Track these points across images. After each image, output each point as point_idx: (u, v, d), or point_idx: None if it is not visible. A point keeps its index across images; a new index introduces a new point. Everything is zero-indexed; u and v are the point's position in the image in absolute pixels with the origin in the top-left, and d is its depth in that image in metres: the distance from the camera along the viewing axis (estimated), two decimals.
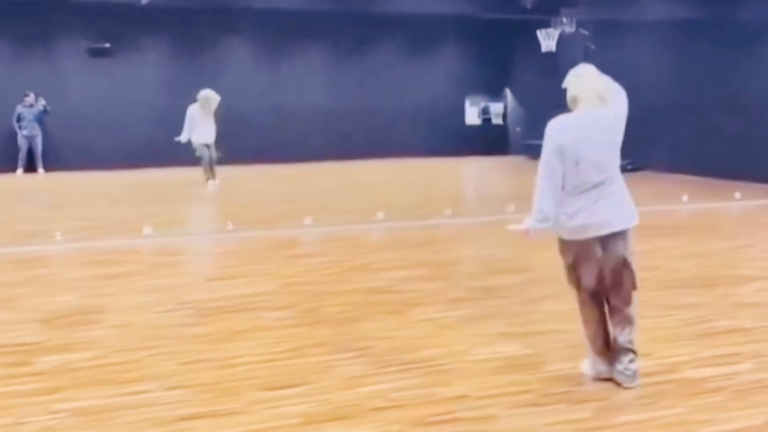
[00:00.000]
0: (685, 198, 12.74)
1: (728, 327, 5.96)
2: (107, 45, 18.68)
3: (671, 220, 11.39)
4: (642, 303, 6.65)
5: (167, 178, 15.34)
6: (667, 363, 5.15)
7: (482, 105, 22.34)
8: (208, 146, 14.90)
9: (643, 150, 17.41)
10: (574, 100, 4.67)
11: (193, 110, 14.88)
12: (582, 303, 4.84)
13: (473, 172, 18.95)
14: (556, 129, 4.61)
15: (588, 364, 4.88)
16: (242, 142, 19.35)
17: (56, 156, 18.43)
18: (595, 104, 4.61)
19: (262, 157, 19.18)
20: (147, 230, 10.05)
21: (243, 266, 8.38)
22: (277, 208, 12.69)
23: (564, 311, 6.43)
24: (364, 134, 20.46)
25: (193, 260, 9.34)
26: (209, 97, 14.90)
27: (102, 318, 6.39)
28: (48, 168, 18.36)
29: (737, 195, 12.97)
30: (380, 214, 11.06)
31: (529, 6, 14.53)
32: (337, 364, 5.22)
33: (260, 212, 12.13)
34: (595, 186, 4.57)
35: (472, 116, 22.19)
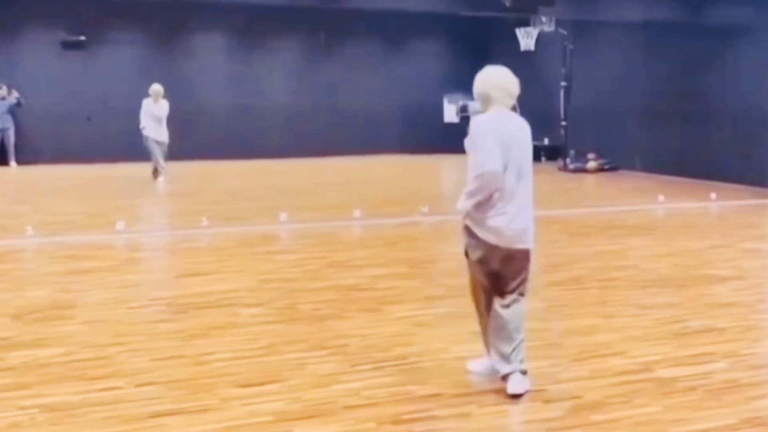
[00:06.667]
0: (661, 197, 12.80)
1: (703, 326, 5.98)
2: (82, 38, 18.48)
3: (647, 219, 11.44)
4: (616, 302, 6.71)
5: (141, 173, 15.21)
6: (641, 362, 5.16)
7: (460, 103, 22.26)
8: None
9: (620, 149, 17.52)
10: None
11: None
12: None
13: (451, 169, 18.92)
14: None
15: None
16: (217, 138, 19.24)
17: (29, 149, 18.19)
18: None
19: (236, 153, 19.04)
20: (120, 225, 9.94)
21: (217, 262, 8.31)
22: (252, 204, 12.62)
23: (538, 310, 6.44)
24: (341, 131, 20.38)
25: (167, 256, 9.26)
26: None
27: (73, 313, 6.31)
28: (21, 161, 18.12)
29: (713, 195, 13.04)
30: (357, 212, 11.02)
31: (508, 4, 14.50)
32: (312, 361, 5.19)
33: (235, 208, 12.05)
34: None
35: (450, 114, 22.18)
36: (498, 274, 4.66)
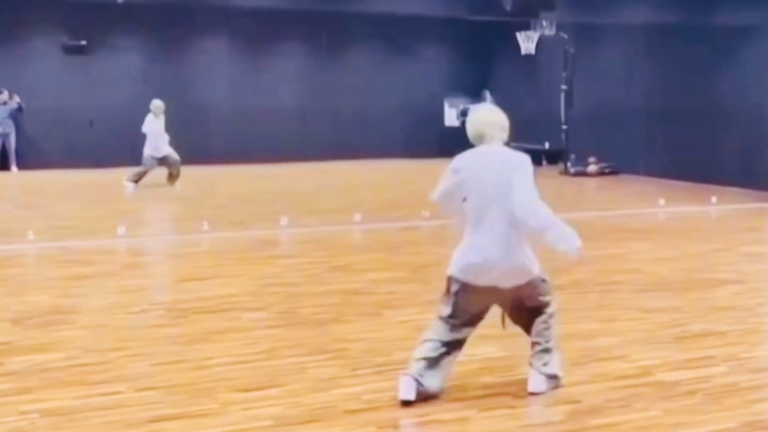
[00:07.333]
0: (662, 201, 12.80)
1: (703, 330, 5.98)
2: (83, 42, 18.52)
3: (648, 223, 11.45)
4: (617, 305, 6.71)
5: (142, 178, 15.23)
6: (641, 366, 5.16)
7: (461, 107, 22.33)
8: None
9: (621, 153, 17.52)
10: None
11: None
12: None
13: None
14: None
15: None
16: (218, 142, 19.26)
17: (30, 154, 18.21)
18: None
19: (237, 157, 19.05)
20: (121, 230, 9.95)
21: (218, 267, 8.32)
22: (253, 208, 12.62)
23: None
24: (342, 135, 20.37)
25: (167, 261, 9.27)
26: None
27: (74, 318, 6.32)
28: (22, 166, 18.13)
29: (713, 199, 13.04)
30: (357, 216, 11.02)
31: (509, 8, 14.55)
32: (312, 365, 5.19)
33: (236, 213, 12.05)
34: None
35: (451, 118, 22.20)
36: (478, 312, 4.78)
